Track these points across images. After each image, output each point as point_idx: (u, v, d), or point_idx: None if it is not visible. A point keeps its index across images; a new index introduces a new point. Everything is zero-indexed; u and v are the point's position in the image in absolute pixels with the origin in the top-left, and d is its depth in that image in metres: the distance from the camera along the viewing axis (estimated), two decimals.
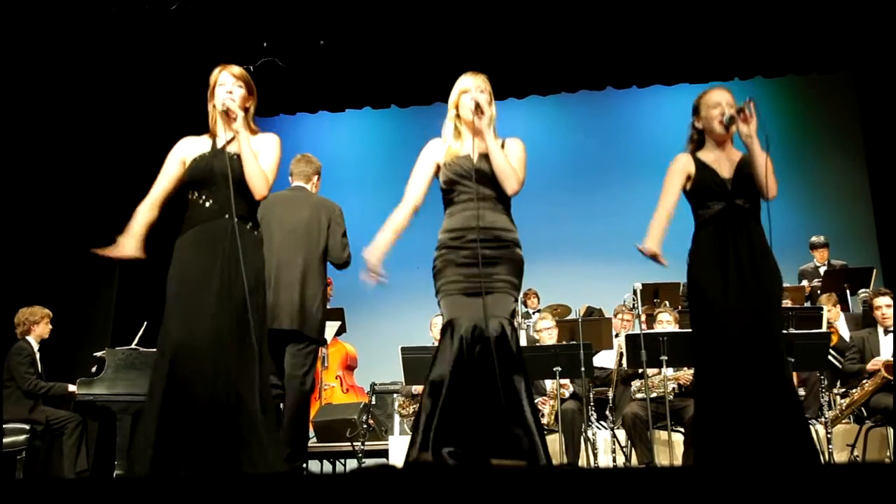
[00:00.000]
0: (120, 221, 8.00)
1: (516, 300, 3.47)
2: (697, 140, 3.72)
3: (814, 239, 8.12)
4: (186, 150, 3.45)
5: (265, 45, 7.35)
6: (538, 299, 8.62)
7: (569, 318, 7.68)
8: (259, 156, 3.35)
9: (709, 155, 3.64)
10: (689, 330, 3.78)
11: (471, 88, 3.50)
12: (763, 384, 3.31)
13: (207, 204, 3.32)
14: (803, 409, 3.53)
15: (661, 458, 5.59)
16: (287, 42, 7.50)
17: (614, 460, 5.87)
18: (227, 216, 3.27)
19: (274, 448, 3.22)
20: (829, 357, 5.70)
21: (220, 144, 3.41)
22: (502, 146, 3.50)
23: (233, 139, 3.38)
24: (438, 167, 3.55)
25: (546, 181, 9.45)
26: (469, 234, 3.40)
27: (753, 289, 3.40)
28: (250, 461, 3.11)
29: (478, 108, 3.43)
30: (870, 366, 5.68)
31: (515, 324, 3.49)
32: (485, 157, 3.47)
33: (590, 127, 10.12)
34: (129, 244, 3.45)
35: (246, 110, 3.43)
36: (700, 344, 3.56)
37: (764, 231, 3.54)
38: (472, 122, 3.47)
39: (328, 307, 8.06)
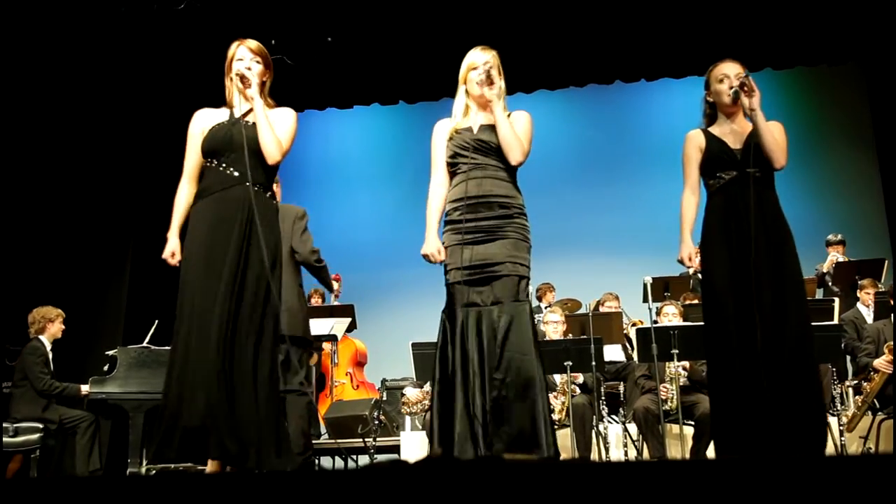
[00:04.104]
0: (127, 222, 8.02)
1: (524, 276, 3.45)
2: (710, 114, 3.75)
3: (830, 237, 8.09)
4: (204, 121, 3.47)
5: (273, 42, 7.35)
6: (553, 294, 8.60)
7: (579, 312, 7.67)
8: (275, 125, 3.37)
9: (719, 128, 3.68)
10: (698, 323, 3.78)
11: (479, 63, 3.54)
12: (781, 364, 3.29)
13: (228, 171, 3.33)
14: (821, 395, 3.47)
15: (673, 452, 5.58)
16: (295, 39, 7.51)
17: (626, 454, 5.87)
18: (246, 183, 3.29)
19: (276, 446, 3.19)
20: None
21: (237, 115, 3.44)
22: (508, 117, 3.54)
23: (250, 111, 3.42)
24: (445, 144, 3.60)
25: (555, 176, 9.44)
26: (455, 203, 3.46)
27: (767, 258, 3.39)
28: (257, 459, 3.10)
29: (488, 78, 3.47)
30: (876, 363, 5.65)
31: (529, 305, 3.48)
32: (488, 128, 3.52)
33: (599, 121, 10.10)
34: (170, 246, 3.47)
35: (263, 84, 3.46)
36: (711, 326, 3.54)
37: (777, 198, 3.54)
38: (480, 96, 3.53)
39: (338, 304, 8.09)
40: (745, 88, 3.50)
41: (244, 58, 3.44)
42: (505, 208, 3.44)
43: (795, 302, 3.42)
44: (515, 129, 3.49)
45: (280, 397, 3.34)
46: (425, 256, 3.50)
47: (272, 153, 3.31)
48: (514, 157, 3.46)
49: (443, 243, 3.51)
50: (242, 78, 3.36)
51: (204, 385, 3.10)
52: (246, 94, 3.40)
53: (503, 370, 3.29)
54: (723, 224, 3.53)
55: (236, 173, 3.31)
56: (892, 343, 5.57)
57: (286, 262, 4.71)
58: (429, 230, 3.53)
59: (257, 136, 3.34)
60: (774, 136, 3.50)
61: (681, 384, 5.45)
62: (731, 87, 3.57)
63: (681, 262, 3.72)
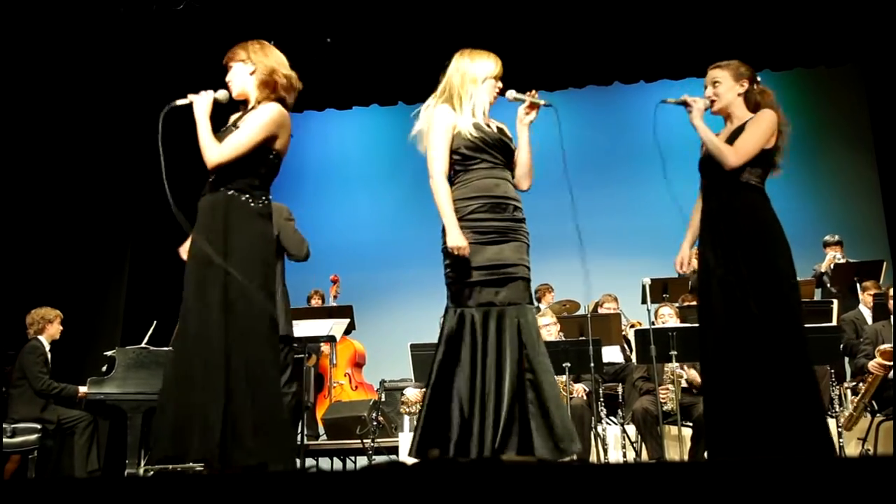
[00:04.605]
0: (125, 223, 7.98)
1: (531, 280, 3.49)
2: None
3: (828, 237, 8.10)
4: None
5: (272, 43, 7.35)
6: (552, 295, 8.61)
7: (578, 313, 7.67)
8: (241, 126, 3.35)
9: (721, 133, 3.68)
10: (696, 325, 3.78)
11: (500, 77, 3.59)
12: (758, 371, 3.28)
13: (210, 178, 3.35)
14: (813, 396, 3.44)
15: (672, 454, 5.58)
16: (294, 40, 7.50)
17: (624, 456, 5.87)
18: (221, 189, 3.30)
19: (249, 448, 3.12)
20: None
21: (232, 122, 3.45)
22: None
23: (241, 116, 3.42)
24: (452, 136, 3.51)
25: (553, 177, 9.42)
26: (472, 201, 3.43)
27: (743, 261, 3.39)
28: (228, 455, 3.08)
29: (532, 107, 3.58)
30: (870, 365, 5.64)
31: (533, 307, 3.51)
32: (502, 131, 3.56)
33: (597, 122, 10.09)
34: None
35: (252, 72, 3.45)
36: (700, 332, 3.58)
37: (757, 200, 3.52)
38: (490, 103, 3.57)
39: (337, 305, 8.09)
40: (685, 107, 3.67)
41: (228, 72, 3.48)
42: (517, 211, 3.49)
43: (774, 303, 3.34)
44: None
45: (277, 399, 3.29)
46: (455, 249, 3.34)
47: (205, 158, 3.30)
48: (528, 184, 3.63)
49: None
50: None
51: (208, 408, 3.09)
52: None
53: (532, 370, 3.29)
54: (702, 230, 3.59)
55: (214, 178, 3.34)
56: (883, 347, 5.55)
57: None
58: (452, 222, 3.38)
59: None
60: (717, 140, 3.55)
61: (681, 386, 5.46)
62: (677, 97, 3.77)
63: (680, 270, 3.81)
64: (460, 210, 3.42)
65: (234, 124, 3.39)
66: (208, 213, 3.29)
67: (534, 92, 3.58)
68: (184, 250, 3.50)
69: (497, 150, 3.50)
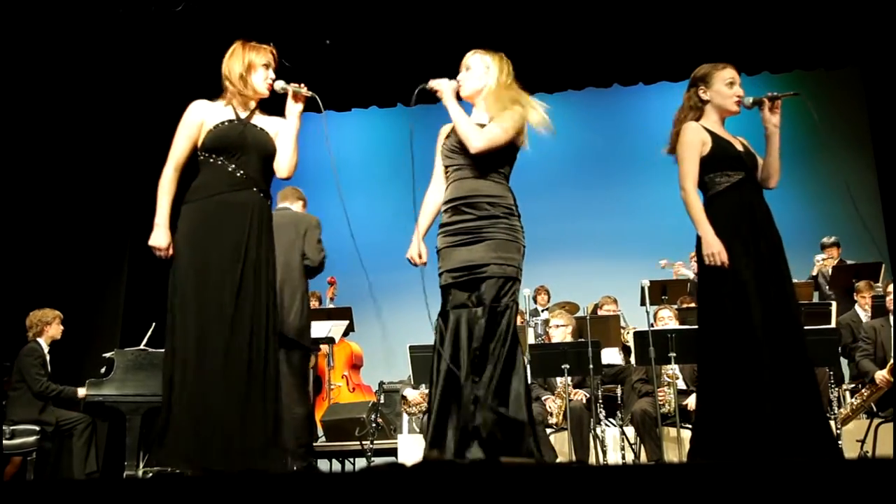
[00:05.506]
0: (124, 224, 7.96)
1: (510, 277, 3.34)
2: (699, 109, 3.68)
3: (825, 239, 8.11)
4: (205, 113, 3.38)
5: (271, 44, 7.35)
6: (549, 296, 8.61)
7: (577, 315, 7.67)
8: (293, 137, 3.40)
9: (715, 127, 3.62)
10: (696, 327, 3.73)
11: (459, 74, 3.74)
12: (790, 370, 3.27)
13: (238, 173, 3.27)
14: (821, 397, 3.47)
15: (670, 455, 5.58)
16: (293, 41, 7.51)
17: (623, 457, 5.87)
18: (254, 189, 3.27)
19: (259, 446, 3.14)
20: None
21: (242, 115, 3.39)
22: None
23: (254, 113, 3.41)
24: None
25: (553, 178, 9.45)
26: (445, 205, 3.47)
27: (772, 261, 3.39)
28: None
29: (297, 97, 3.52)
30: (877, 377, 5.63)
31: (511, 306, 3.36)
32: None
33: (596, 124, 10.10)
34: (166, 236, 3.36)
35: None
36: (714, 322, 3.44)
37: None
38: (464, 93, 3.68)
39: (335, 307, 8.10)
40: (773, 104, 3.58)
41: (270, 62, 3.46)
42: (491, 207, 3.37)
43: (797, 303, 3.47)
44: (493, 123, 3.43)
45: (278, 402, 3.31)
46: (409, 259, 3.57)
47: (289, 170, 3.36)
48: (470, 145, 3.37)
49: (437, 247, 3.50)
50: (295, 94, 3.38)
51: (227, 413, 3.08)
52: (292, 106, 3.41)
53: (478, 373, 3.26)
54: (734, 223, 3.42)
55: (245, 176, 3.27)
56: (893, 362, 5.54)
57: (297, 268, 4.83)
58: (415, 233, 3.56)
59: (268, 142, 3.31)
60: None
61: (678, 388, 5.46)
62: (746, 96, 3.62)
63: (711, 256, 3.34)
64: (441, 216, 3.51)
65: (250, 121, 3.38)
66: (240, 213, 3.24)
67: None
68: (167, 245, 3.33)
69: (453, 152, 3.50)
